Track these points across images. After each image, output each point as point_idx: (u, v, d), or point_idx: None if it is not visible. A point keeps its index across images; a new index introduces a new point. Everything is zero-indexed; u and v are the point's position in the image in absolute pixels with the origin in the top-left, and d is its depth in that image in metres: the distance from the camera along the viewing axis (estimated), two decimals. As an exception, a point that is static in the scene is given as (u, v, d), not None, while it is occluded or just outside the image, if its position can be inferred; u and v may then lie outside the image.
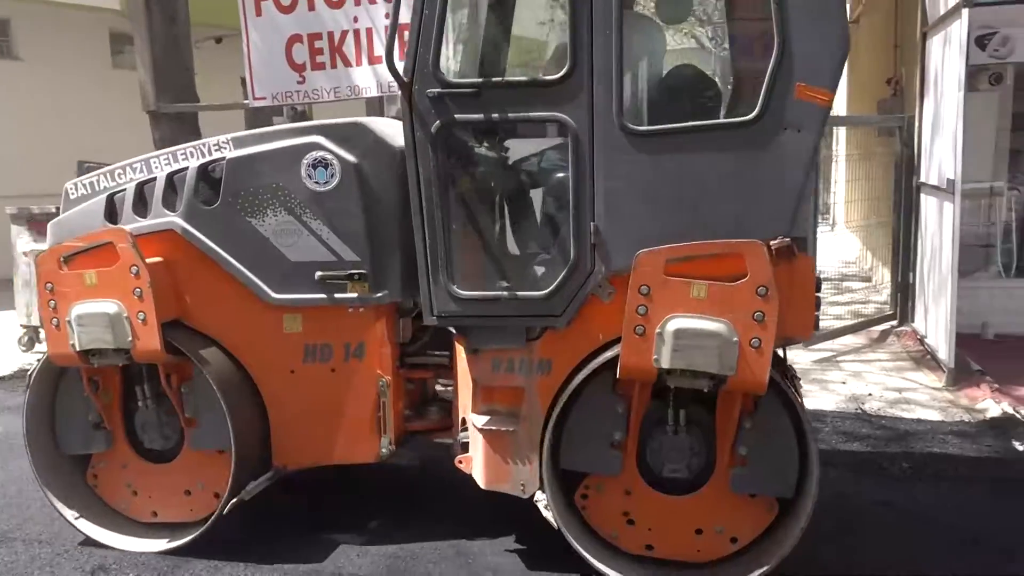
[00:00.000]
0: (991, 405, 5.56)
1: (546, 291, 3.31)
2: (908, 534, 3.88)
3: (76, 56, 11.14)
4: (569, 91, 3.18)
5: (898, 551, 3.72)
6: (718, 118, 3.51)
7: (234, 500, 3.52)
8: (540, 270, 3.41)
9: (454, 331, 3.64)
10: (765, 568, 3.25)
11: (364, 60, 6.41)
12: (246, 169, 3.54)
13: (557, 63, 3.28)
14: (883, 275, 8.87)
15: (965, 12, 5.77)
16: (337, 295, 3.58)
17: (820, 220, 9.37)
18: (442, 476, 4.21)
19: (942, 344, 6.15)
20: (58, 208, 3.93)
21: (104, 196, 3.66)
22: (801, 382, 3.33)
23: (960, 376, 6.06)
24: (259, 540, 3.79)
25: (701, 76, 3.79)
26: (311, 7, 6.21)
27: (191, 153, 3.63)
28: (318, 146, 3.53)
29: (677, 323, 3.08)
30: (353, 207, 3.55)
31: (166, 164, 3.64)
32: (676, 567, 3.45)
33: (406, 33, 3.34)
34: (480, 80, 3.35)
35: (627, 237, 3.21)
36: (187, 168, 3.58)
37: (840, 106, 12.70)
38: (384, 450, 3.72)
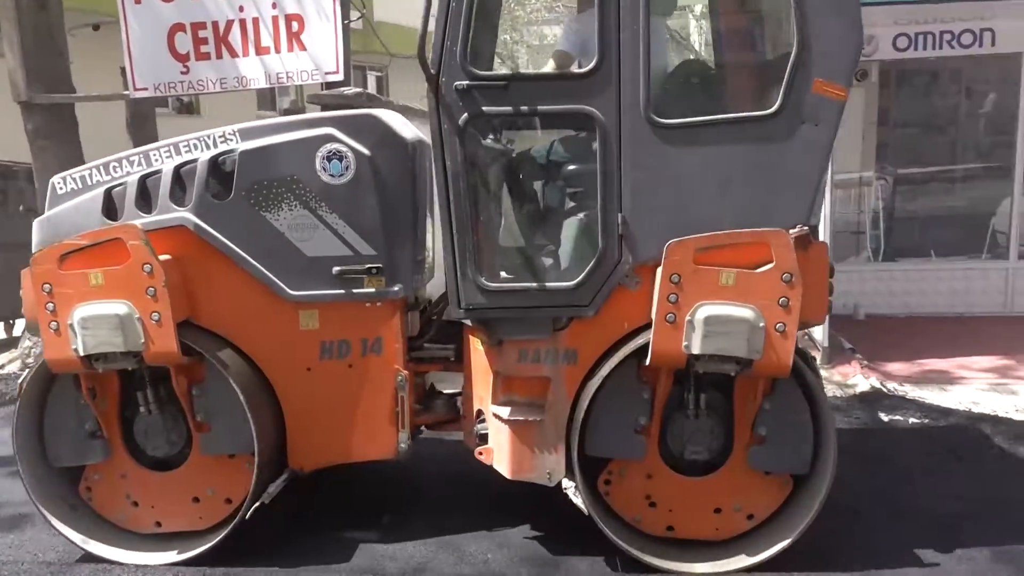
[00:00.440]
0: (860, 380, 6.00)
1: (575, 282, 3.35)
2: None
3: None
4: (597, 84, 3.22)
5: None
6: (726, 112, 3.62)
7: (256, 504, 3.42)
8: (568, 261, 3.44)
9: (469, 323, 3.64)
10: (787, 542, 3.40)
11: (251, 50, 6.33)
12: (260, 162, 3.42)
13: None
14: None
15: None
16: (355, 290, 3.51)
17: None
18: (433, 467, 4.28)
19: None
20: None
21: (101, 191, 3.45)
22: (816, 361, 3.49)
23: (834, 355, 6.48)
24: (277, 543, 3.69)
25: (710, 70, 3.91)
26: None
27: (195, 145, 3.48)
28: (332, 138, 3.45)
29: (707, 310, 3.18)
30: (368, 200, 3.49)
31: (168, 157, 3.47)
32: (696, 546, 3.57)
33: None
34: (509, 73, 3.35)
35: (653, 227, 3.29)
36: (195, 161, 3.42)
37: None
38: (403, 445, 3.68)
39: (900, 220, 8.29)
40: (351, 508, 4.11)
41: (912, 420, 5.32)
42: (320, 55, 6.41)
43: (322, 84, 6.68)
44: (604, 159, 3.26)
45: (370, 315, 3.57)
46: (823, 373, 5.97)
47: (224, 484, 3.58)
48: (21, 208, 7.87)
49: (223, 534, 3.44)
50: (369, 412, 3.63)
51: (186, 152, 3.47)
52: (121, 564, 3.50)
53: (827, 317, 3.75)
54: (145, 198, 3.43)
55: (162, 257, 3.30)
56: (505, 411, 3.54)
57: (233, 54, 6.29)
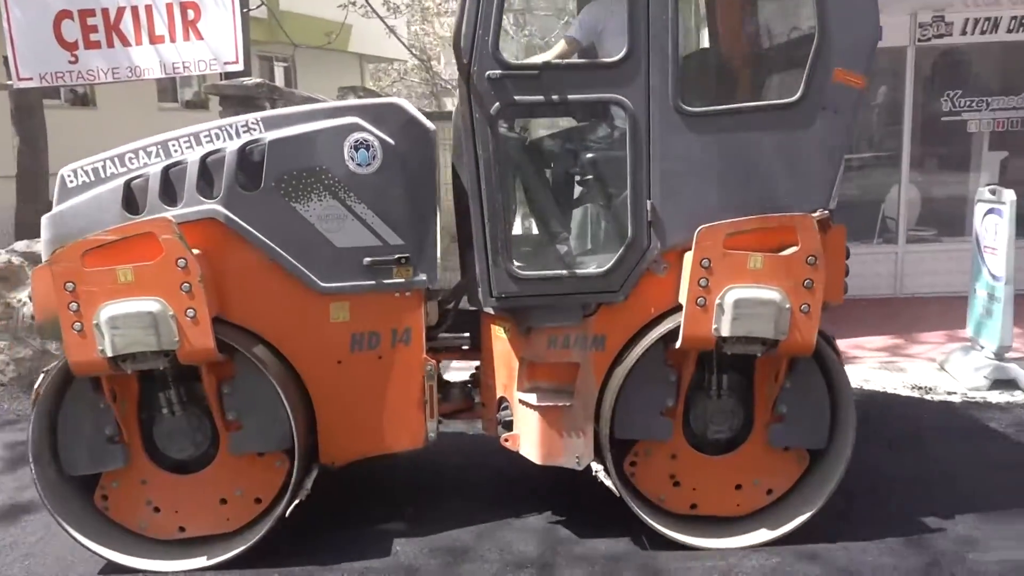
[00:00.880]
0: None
1: (605, 268, 3.41)
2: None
3: None
4: (627, 73, 3.27)
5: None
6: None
7: (296, 502, 3.39)
8: (598, 248, 3.49)
9: (491, 312, 3.67)
10: (808, 515, 3.54)
11: (145, 39, 6.20)
12: (289, 151, 3.35)
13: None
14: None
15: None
16: (385, 281, 3.50)
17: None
18: (442, 458, 4.27)
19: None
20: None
21: (119, 184, 3.33)
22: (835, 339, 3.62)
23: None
24: (307, 539, 3.66)
25: (735, 59, 3.98)
26: None
27: (216, 135, 3.39)
28: (358, 127, 3.42)
29: (736, 293, 3.28)
30: (395, 189, 3.48)
31: (188, 147, 3.38)
32: (719, 522, 3.69)
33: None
34: (541, 62, 3.37)
35: (681, 214, 3.36)
36: (222, 150, 3.34)
37: None
38: (432, 434, 3.69)
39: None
40: (375, 501, 4.09)
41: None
42: (218, 44, 6.29)
43: (221, 74, 6.55)
44: (634, 147, 3.32)
45: (399, 305, 3.56)
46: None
47: (253, 484, 3.53)
48: None
49: (260, 534, 3.39)
50: (399, 403, 3.62)
51: (207, 142, 3.38)
52: (155, 572, 3.41)
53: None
54: (169, 190, 3.33)
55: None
56: (533, 397, 3.58)
57: (125, 43, 6.11)
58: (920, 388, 5.61)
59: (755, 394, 3.65)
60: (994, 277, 5.62)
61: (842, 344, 6.20)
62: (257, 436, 3.44)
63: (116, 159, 3.37)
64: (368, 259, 3.47)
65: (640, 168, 3.33)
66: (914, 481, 4.16)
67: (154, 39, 6.05)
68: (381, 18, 14.67)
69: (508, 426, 3.76)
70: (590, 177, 3.56)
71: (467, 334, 4.08)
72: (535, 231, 3.62)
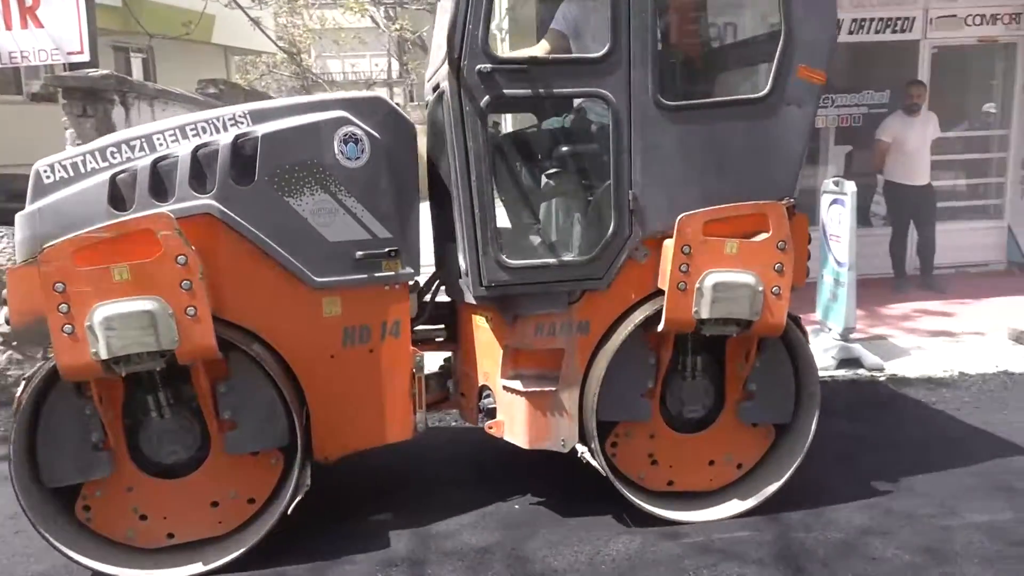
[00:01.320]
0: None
1: (589, 256, 3.54)
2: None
3: None
4: (609, 68, 3.41)
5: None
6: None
7: (298, 498, 3.38)
8: (583, 237, 3.61)
9: (473, 302, 3.75)
10: (777, 486, 3.78)
11: None
12: (282, 145, 3.32)
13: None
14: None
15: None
16: (376, 274, 3.52)
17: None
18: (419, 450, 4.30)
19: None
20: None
21: (103, 179, 3.23)
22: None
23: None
24: (300, 535, 3.63)
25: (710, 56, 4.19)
26: None
27: (203, 128, 3.33)
28: (347, 121, 3.43)
29: (714, 277, 3.47)
30: (383, 183, 3.50)
31: (174, 141, 3.30)
32: (693, 497, 3.88)
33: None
34: (529, 57, 3.46)
35: (660, 203, 3.53)
36: (212, 144, 3.28)
37: None
38: (421, 425, 3.75)
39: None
40: (361, 494, 4.11)
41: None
42: (60, 33, 6.05)
43: (65, 65, 6.32)
44: (616, 139, 3.46)
45: (388, 298, 3.59)
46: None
47: (247, 484, 3.49)
48: None
49: (262, 534, 3.37)
50: (389, 395, 3.64)
51: (194, 136, 3.32)
52: None
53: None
54: (158, 185, 3.26)
55: (187, 247, 3.16)
56: (519, 384, 3.68)
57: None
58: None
59: (726, 374, 3.86)
60: (839, 263, 6.02)
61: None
62: (254, 435, 3.40)
63: (97, 153, 3.25)
64: (360, 253, 3.48)
65: (622, 159, 3.47)
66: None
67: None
68: (243, 8, 14.25)
69: (491, 414, 3.85)
70: (574, 168, 3.68)
71: (442, 326, 4.15)
72: (524, 221, 3.71)
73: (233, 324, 3.34)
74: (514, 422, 3.74)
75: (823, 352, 5.96)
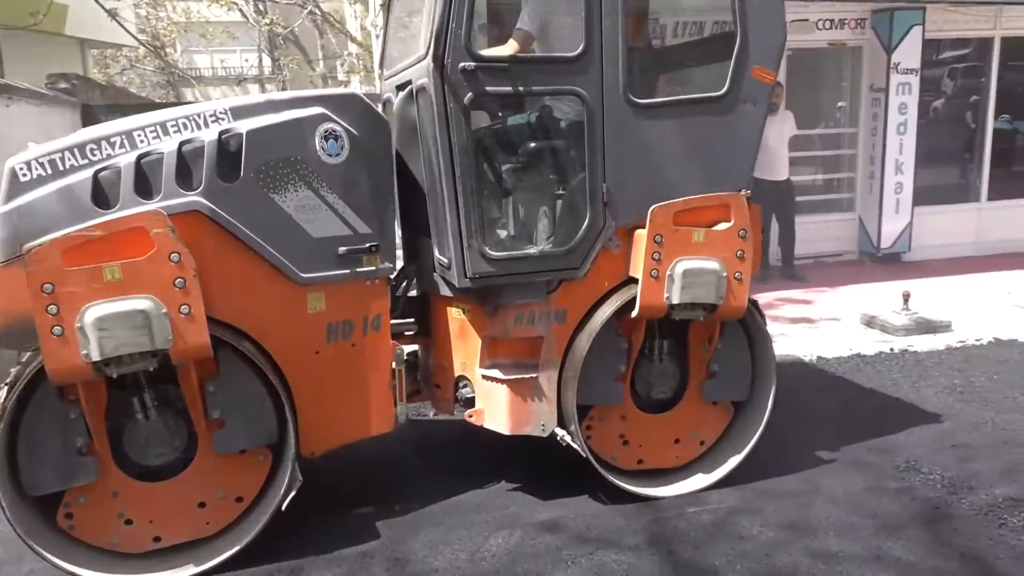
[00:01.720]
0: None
1: (568, 247, 3.69)
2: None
3: None
4: (583, 67, 3.57)
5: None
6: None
7: (292, 494, 3.38)
8: (561, 228, 3.75)
9: (450, 294, 3.84)
10: (739, 458, 4.04)
11: None
12: (266, 142, 3.31)
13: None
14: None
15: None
16: (358, 269, 3.56)
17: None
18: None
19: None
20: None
21: (85, 176, 3.13)
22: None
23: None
24: (293, 532, 3.62)
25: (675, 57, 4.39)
26: None
27: (184, 124, 3.28)
28: (327, 117, 3.46)
29: (684, 265, 3.68)
30: (362, 179, 3.55)
31: (155, 137, 3.24)
32: (661, 474, 4.10)
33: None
34: (509, 55, 3.57)
35: (631, 195, 3.72)
36: (197, 140, 3.24)
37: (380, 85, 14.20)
38: (402, 418, 3.80)
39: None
40: (344, 489, 4.14)
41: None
42: None
43: None
44: (590, 134, 3.62)
45: (369, 293, 3.63)
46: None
47: (235, 483, 3.46)
48: None
49: (256, 531, 3.36)
50: (371, 388, 3.68)
51: (175, 132, 3.26)
52: None
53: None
54: (143, 182, 3.19)
55: (174, 245, 3.10)
56: (500, 372, 3.80)
57: None
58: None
59: (689, 356, 4.09)
60: None
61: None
62: (242, 433, 3.38)
63: (76, 150, 3.15)
64: (342, 248, 3.51)
65: (596, 154, 3.64)
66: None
67: None
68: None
69: (469, 403, 3.95)
70: (553, 162, 3.82)
71: (412, 320, 4.22)
72: (507, 214, 3.82)
73: (221, 322, 3.31)
74: (495, 410, 3.85)
75: None
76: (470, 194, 3.50)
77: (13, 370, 3.34)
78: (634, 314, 3.73)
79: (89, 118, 7.92)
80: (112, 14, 14.26)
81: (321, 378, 3.55)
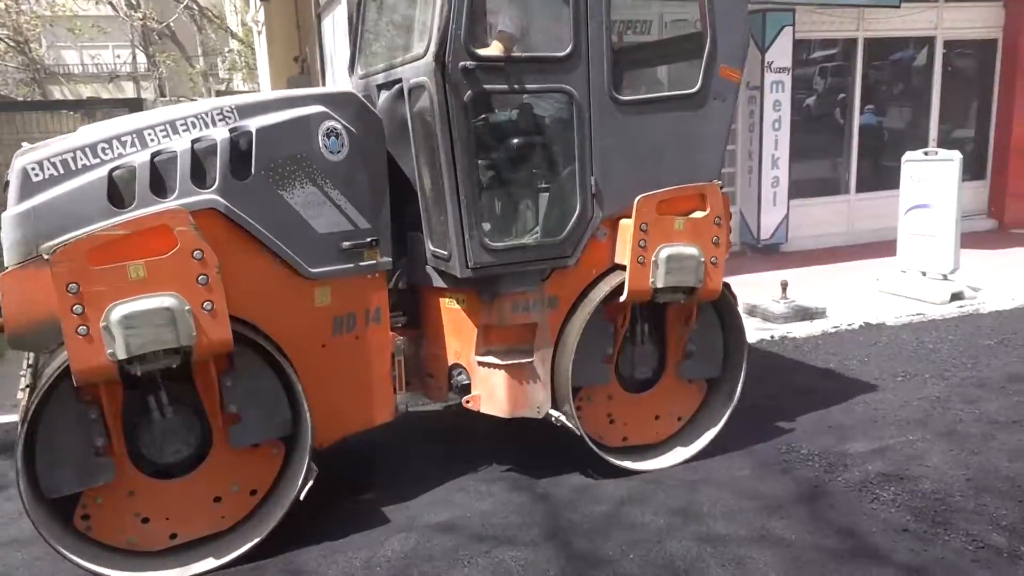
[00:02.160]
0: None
1: (560, 237, 3.89)
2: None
3: None
4: (571, 66, 3.77)
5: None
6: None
7: (310, 484, 3.45)
8: (554, 219, 3.93)
9: (444, 285, 3.99)
10: (715, 431, 4.34)
11: None
12: (274, 139, 3.37)
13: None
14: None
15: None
16: (361, 263, 3.66)
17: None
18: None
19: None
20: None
21: (100, 176, 3.11)
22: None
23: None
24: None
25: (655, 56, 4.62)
26: None
27: (192, 123, 3.31)
28: (328, 115, 3.55)
29: (667, 251, 3.94)
30: (361, 175, 3.66)
31: (164, 136, 3.25)
32: (644, 449, 4.35)
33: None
34: (506, 55, 3.73)
35: (616, 186, 3.94)
36: (208, 139, 3.27)
37: (265, 82, 14.15)
38: (402, 407, 3.92)
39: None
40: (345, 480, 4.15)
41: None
42: None
43: None
44: (579, 130, 3.82)
45: (370, 286, 3.74)
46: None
47: (249, 477, 3.51)
48: None
49: (274, 523, 3.42)
50: (374, 379, 3.80)
51: (184, 130, 3.28)
52: None
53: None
54: (157, 181, 3.20)
55: (192, 242, 3.13)
56: (497, 358, 3.96)
57: None
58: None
59: (668, 337, 4.36)
60: None
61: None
62: (258, 426, 3.44)
63: (88, 150, 3.13)
64: (346, 243, 3.61)
65: (584, 148, 3.85)
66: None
67: None
68: None
69: (464, 390, 4.09)
70: (546, 156, 3.99)
71: (400, 312, 4.33)
72: (505, 206, 3.97)
73: (236, 317, 3.35)
74: (493, 394, 4.01)
75: None
76: (472, 187, 3.65)
77: (23, 373, 3.31)
78: (623, 298, 3.96)
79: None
80: None
81: (328, 370, 3.64)
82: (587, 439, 4.03)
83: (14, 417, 5.03)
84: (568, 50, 3.75)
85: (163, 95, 24.33)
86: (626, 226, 3.94)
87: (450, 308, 4.08)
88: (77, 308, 2.89)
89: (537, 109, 3.92)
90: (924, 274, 7.72)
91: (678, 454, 4.34)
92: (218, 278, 3.10)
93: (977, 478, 3.96)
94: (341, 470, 4.11)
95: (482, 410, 4.06)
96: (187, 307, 3.04)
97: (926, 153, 7.89)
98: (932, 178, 7.62)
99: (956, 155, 7.49)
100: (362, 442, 4.26)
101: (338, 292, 3.64)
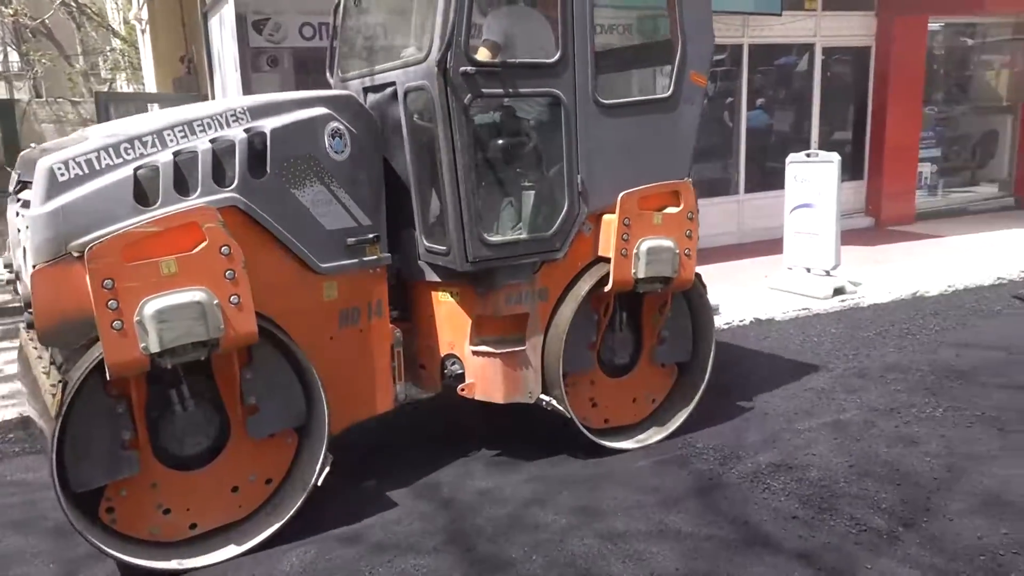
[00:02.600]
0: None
1: (551, 231, 4.14)
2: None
3: None
4: (560, 72, 4.03)
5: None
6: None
7: (327, 469, 3.60)
8: (545, 215, 4.17)
9: (439, 279, 4.18)
10: (687, 411, 4.67)
11: None
12: (287, 140, 3.51)
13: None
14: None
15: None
16: (364, 259, 3.83)
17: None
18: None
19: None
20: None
21: (125, 175, 3.18)
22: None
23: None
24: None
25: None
26: None
27: (209, 124, 3.41)
28: (332, 117, 3.71)
29: (647, 243, 4.25)
30: (362, 174, 3.83)
31: (183, 137, 3.34)
32: (623, 430, 4.65)
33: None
34: (502, 60, 3.94)
35: (599, 184, 4.22)
36: (225, 139, 3.38)
37: (150, 83, 13.85)
38: (401, 396, 4.10)
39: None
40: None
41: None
42: None
43: None
44: (567, 131, 4.08)
45: (372, 281, 3.91)
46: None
47: (265, 466, 3.63)
48: None
49: (294, 508, 3.57)
50: (376, 370, 3.97)
51: (201, 131, 3.38)
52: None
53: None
54: (180, 179, 3.30)
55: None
56: (492, 347, 4.18)
57: None
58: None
59: (643, 324, 4.67)
60: None
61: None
62: (275, 417, 3.57)
63: (111, 150, 3.20)
64: (351, 239, 3.78)
65: (572, 149, 4.11)
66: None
67: None
68: None
69: (459, 379, 4.30)
70: (538, 156, 4.23)
71: (391, 307, 4.49)
72: (501, 203, 4.18)
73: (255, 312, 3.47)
74: (488, 382, 4.22)
75: None
76: (471, 185, 3.86)
77: (45, 370, 3.35)
78: (607, 288, 4.24)
79: None
80: None
81: (335, 362, 3.79)
82: (577, 422, 4.29)
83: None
84: (557, 56, 4.01)
85: (39, 96, 23.38)
86: (609, 221, 4.22)
87: (444, 301, 4.27)
88: (112, 303, 2.98)
89: (529, 112, 4.16)
90: (809, 270, 7.93)
91: (654, 433, 4.65)
92: (244, 273, 3.22)
93: (859, 464, 4.16)
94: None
95: (477, 397, 4.27)
96: (215, 301, 3.15)
97: (808, 155, 8.07)
98: (814, 179, 7.81)
99: (835, 157, 7.68)
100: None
101: (344, 287, 3.79)
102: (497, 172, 4.10)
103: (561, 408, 4.25)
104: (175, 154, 3.30)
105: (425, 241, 4.13)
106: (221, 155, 3.38)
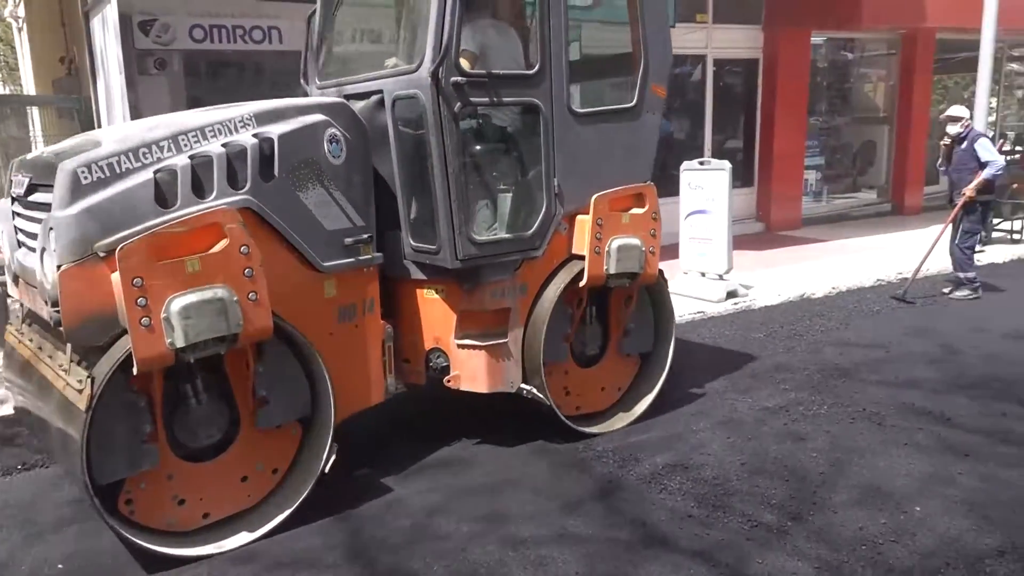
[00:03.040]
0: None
1: (531, 231, 4.43)
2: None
3: None
4: (538, 82, 4.34)
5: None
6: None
7: (333, 458, 3.80)
8: (526, 215, 4.45)
9: (424, 277, 4.43)
10: (652, 396, 5.04)
11: None
12: (293, 145, 3.69)
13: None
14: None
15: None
16: (359, 257, 4.04)
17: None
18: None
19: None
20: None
21: (147, 178, 3.31)
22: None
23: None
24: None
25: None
26: None
27: (219, 130, 3.57)
28: (330, 123, 3.91)
29: (617, 242, 4.60)
30: (356, 178, 4.04)
31: (196, 142, 3.48)
32: (592, 416, 4.98)
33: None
34: (489, 72, 4.20)
35: (573, 187, 4.55)
36: (236, 144, 3.55)
37: (28, 84, 13.34)
38: (392, 388, 4.32)
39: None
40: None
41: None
42: None
43: None
44: (545, 137, 4.39)
45: (365, 279, 4.12)
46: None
47: (272, 456, 3.80)
48: None
49: (303, 495, 3.75)
50: (370, 363, 4.18)
51: (212, 136, 3.53)
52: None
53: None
54: (197, 183, 3.44)
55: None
56: (477, 340, 4.45)
57: None
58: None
59: (610, 318, 5.01)
60: None
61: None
62: (283, 408, 3.74)
63: (130, 154, 3.33)
64: (348, 239, 3.98)
65: (549, 154, 4.42)
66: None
67: None
68: None
69: (444, 371, 4.54)
70: (519, 160, 4.51)
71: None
72: (487, 204, 4.44)
73: None
74: (472, 373, 4.48)
75: None
76: (460, 188, 4.12)
77: (64, 367, 3.44)
78: (582, 284, 4.56)
79: None
80: None
81: (334, 356, 3.97)
82: (556, 409, 4.60)
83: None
84: (536, 68, 4.32)
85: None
86: (583, 221, 4.55)
87: (428, 298, 4.51)
88: (141, 301, 3.12)
89: (510, 120, 4.45)
90: (703, 275, 8.13)
91: (623, 418, 5.01)
92: (261, 271, 3.40)
93: (751, 462, 4.33)
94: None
95: (462, 388, 4.53)
96: (235, 298, 3.32)
97: (701, 162, 8.27)
98: (707, 185, 7.99)
99: (727, 164, 7.92)
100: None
101: (341, 284, 4.00)
102: (483, 175, 4.37)
103: (541, 396, 4.54)
104: (191, 158, 3.45)
105: (412, 241, 4.36)
106: (234, 159, 3.55)
